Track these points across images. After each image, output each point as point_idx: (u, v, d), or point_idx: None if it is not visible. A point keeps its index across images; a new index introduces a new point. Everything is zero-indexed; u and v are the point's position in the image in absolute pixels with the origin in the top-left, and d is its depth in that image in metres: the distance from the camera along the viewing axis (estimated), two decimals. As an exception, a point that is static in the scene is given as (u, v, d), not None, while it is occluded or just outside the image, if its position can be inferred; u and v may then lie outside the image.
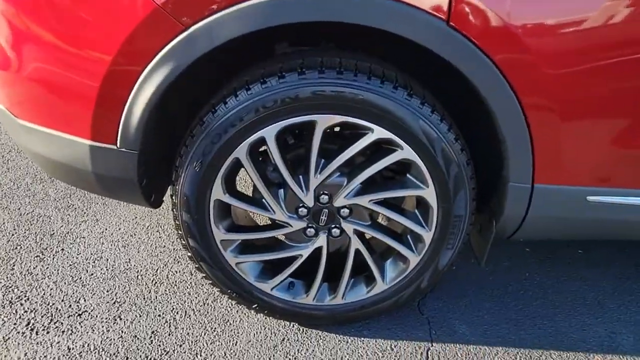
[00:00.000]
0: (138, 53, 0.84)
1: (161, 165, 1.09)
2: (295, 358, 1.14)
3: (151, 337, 1.18)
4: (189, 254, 1.11)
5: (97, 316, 1.24)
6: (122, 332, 1.19)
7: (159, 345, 1.16)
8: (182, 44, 0.82)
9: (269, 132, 0.93)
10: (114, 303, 1.28)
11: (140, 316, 1.24)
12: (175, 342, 1.17)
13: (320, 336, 1.20)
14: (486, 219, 1.11)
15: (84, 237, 1.54)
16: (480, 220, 1.14)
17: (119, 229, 1.59)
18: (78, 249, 1.48)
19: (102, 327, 1.20)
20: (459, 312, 1.29)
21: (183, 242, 1.09)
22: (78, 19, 0.86)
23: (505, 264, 1.47)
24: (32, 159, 1.16)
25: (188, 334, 1.19)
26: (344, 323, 1.21)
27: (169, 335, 1.19)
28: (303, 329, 1.21)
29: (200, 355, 1.13)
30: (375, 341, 1.19)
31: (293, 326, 1.22)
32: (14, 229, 1.56)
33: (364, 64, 0.91)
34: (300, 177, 1.01)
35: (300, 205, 1.04)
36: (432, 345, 1.18)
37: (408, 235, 1.10)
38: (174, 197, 1.03)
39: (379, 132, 0.93)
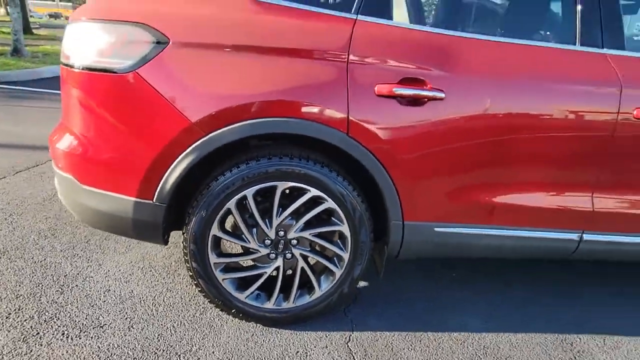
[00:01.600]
0: (177, 146, 1.47)
1: (173, 215, 1.67)
2: (261, 346, 1.68)
3: (158, 337, 1.67)
4: (191, 273, 1.67)
5: (115, 327, 1.71)
6: (136, 335, 1.67)
7: (165, 342, 1.65)
8: (203, 143, 1.46)
9: (249, 192, 1.57)
10: (127, 319, 1.76)
11: (148, 326, 1.73)
12: (177, 340, 1.67)
13: (277, 331, 1.75)
14: (382, 245, 1.79)
15: (92, 277, 2.01)
16: (378, 246, 1.81)
17: (120, 270, 2.08)
18: (90, 285, 1.95)
19: (121, 333, 1.68)
20: (372, 314, 1.91)
21: (188, 265, 1.65)
22: (141, 123, 1.47)
23: (401, 282, 2.14)
24: (79, 212, 1.68)
25: (185, 334, 1.70)
26: (294, 322, 1.78)
27: (171, 335, 1.69)
28: (266, 328, 1.77)
29: (196, 346, 1.64)
30: (315, 332, 1.76)
31: (259, 326, 1.77)
32: (33, 272, 2.00)
33: (304, 153, 1.61)
34: (267, 219, 1.65)
35: (266, 237, 1.66)
36: (352, 333, 1.78)
37: (334, 257, 1.75)
38: (185, 234, 1.61)
39: (314, 192, 1.60)
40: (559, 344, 1.82)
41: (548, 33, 1.81)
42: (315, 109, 1.49)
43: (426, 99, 1.54)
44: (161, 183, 1.52)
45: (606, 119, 1.65)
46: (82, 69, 1.48)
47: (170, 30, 1.43)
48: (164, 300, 1.89)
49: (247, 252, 1.71)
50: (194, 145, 1.47)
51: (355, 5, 1.55)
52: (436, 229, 1.72)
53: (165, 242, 1.71)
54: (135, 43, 1.43)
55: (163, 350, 1.61)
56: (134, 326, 1.72)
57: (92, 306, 1.82)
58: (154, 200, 1.54)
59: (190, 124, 1.45)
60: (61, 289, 1.90)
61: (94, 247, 2.26)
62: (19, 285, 1.90)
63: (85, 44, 1.48)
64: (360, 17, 1.54)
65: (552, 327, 1.92)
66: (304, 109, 1.48)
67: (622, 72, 1.64)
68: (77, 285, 1.94)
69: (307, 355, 1.65)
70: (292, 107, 1.47)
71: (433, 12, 1.84)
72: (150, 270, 2.10)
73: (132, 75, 1.43)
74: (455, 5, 1.84)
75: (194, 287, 1.77)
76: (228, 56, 1.46)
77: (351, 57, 1.49)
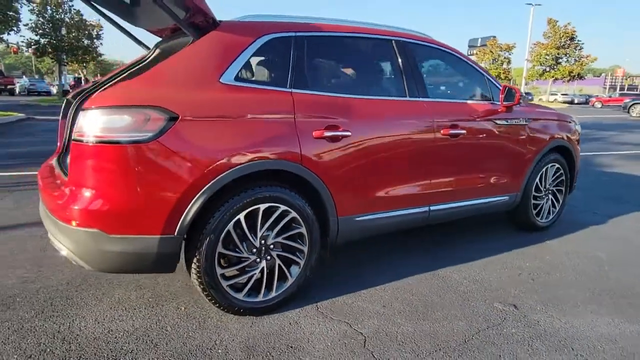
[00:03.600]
0: (193, 189, 2.02)
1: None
2: (263, 326, 2.28)
3: (183, 345, 2.11)
4: (202, 286, 2.18)
5: (143, 349, 2.06)
6: (164, 350, 2.07)
7: (191, 345, 2.10)
8: (213, 184, 2.06)
9: (242, 215, 2.21)
10: (147, 342, 2.12)
11: (169, 341, 2.13)
12: (200, 342, 2.13)
13: (268, 316, 2.37)
14: (325, 237, 2.61)
15: (85, 326, 2.24)
16: (322, 239, 2.63)
17: (106, 315, 2.35)
18: (89, 332, 2.19)
19: (152, 352, 2.05)
20: (325, 288, 2.69)
21: (200, 280, 2.16)
22: (164, 176, 1.96)
23: (335, 264, 2.99)
24: (103, 261, 2.00)
25: (203, 337, 2.17)
26: (279, 306, 2.43)
27: (193, 341, 2.14)
28: (256, 316, 2.37)
29: (217, 341, 2.14)
30: (294, 310, 2.45)
31: (254, 317, 2.36)
32: (21, 344, 2.12)
33: (273, 182, 2.33)
34: (253, 233, 2.29)
35: (253, 247, 2.30)
36: (317, 303, 2.53)
37: (297, 252, 2.48)
38: (197, 255, 2.13)
39: (282, 208, 2.33)
40: (432, 275, 2.95)
41: (394, 91, 2.97)
42: (282, 152, 2.26)
43: (341, 137, 2.47)
44: (182, 219, 2.04)
45: (430, 137, 2.88)
46: (109, 142, 1.92)
47: (179, 108, 2.01)
48: (167, 323, 2.29)
49: (239, 261, 2.31)
50: (206, 187, 2.05)
51: (288, 82, 2.40)
52: (356, 219, 2.65)
53: (174, 270, 2.18)
54: (153, 120, 1.96)
55: (193, 351, 2.07)
56: (158, 344, 2.11)
57: (108, 343, 2.11)
58: (176, 234, 2.04)
59: (202, 172, 2.04)
60: (67, 343, 2.11)
61: (62, 306, 2.42)
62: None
63: (111, 123, 1.92)
64: (293, 90, 2.40)
65: (426, 269, 3.04)
66: (275, 153, 2.24)
67: (432, 110, 2.91)
68: (77, 336, 2.16)
69: (297, 323, 2.33)
70: (269, 152, 2.21)
71: (336, 84, 2.81)
72: (134, 309, 2.42)
73: (153, 143, 1.95)
74: (347, 80, 2.87)
75: (190, 304, 2.24)
76: (219, 124, 2.12)
77: (296, 115, 2.33)
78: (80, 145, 1.96)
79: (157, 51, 3.11)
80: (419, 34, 3.16)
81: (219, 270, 2.20)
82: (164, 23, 2.91)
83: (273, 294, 2.40)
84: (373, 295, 2.65)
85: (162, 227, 2.01)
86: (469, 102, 3.25)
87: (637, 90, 63.42)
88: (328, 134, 2.41)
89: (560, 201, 4.06)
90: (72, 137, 1.98)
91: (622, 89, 75.26)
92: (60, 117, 3.05)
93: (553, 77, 36.07)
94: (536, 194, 3.80)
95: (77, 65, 30.77)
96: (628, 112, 25.41)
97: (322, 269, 2.93)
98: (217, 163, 2.08)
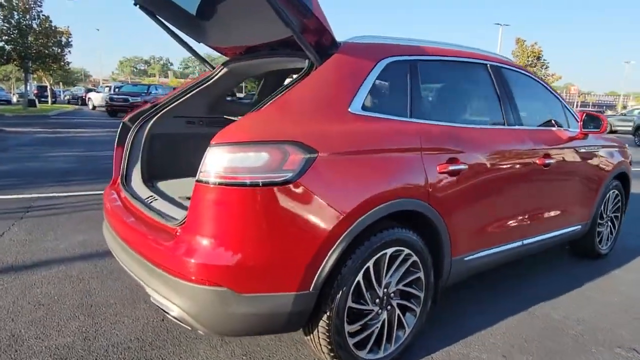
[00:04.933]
0: (333, 236, 1.73)
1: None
2: (389, 389, 2.00)
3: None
4: (331, 346, 1.87)
5: None
6: None
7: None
8: (352, 230, 1.77)
9: (370, 263, 1.93)
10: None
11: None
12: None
13: (390, 374, 2.10)
14: (436, 280, 2.35)
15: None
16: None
17: (204, 380, 2.00)
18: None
19: None
20: (432, 338, 2.43)
21: (329, 339, 1.86)
22: (304, 223, 1.67)
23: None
24: (228, 324, 1.67)
25: (332, 405, 1.87)
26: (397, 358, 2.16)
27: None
28: (379, 375, 2.08)
29: (352, 410, 1.84)
30: (412, 364, 2.18)
31: (374, 376, 2.07)
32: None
33: (396, 225, 2.06)
34: (377, 282, 2.01)
35: (376, 297, 2.02)
36: (432, 354, 2.27)
37: (412, 298, 2.22)
38: (328, 311, 1.83)
39: (406, 252, 2.07)
40: (529, 315, 2.75)
41: (495, 119, 2.78)
42: (414, 189, 2.01)
43: (459, 171, 2.25)
44: (319, 272, 1.74)
45: (529, 167, 2.71)
46: (242, 185, 1.61)
47: (317, 143, 1.73)
48: (279, 389, 1.96)
49: (362, 314, 2.02)
50: (345, 232, 1.77)
51: (408, 111, 2.16)
52: (465, 259, 2.42)
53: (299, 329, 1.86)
54: (292, 157, 1.67)
55: None
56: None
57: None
58: (311, 289, 1.74)
59: (342, 217, 1.75)
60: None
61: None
62: None
63: (245, 162, 1.62)
64: (414, 120, 2.16)
65: (519, 307, 2.84)
66: (409, 191, 1.99)
67: (529, 138, 2.75)
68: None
69: (424, 382, 2.06)
70: (404, 190, 1.96)
71: (447, 112, 2.57)
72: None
73: (294, 184, 1.66)
74: (456, 107, 2.64)
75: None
76: (354, 160, 1.84)
77: (422, 148, 2.09)
78: (208, 188, 1.64)
79: (225, 70, 2.81)
80: (504, 58, 3.01)
81: (347, 327, 1.91)
82: (240, 42, 2.62)
83: (392, 347, 2.12)
84: (484, 343, 2.41)
85: (299, 283, 1.71)
86: (553, 129, 3.12)
87: (589, 107, 67.28)
88: (451, 167, 2.19)
89: (617, 227, 4.00)
90: (198, 178, 1.66)
91: (576, 105, 79.52)
92: (116, 144, 2.68)
93: (520, 93, 37.44)
94: (599, 221, 3.71)
95: (42, 73, 29.15)
96: (594, 128, 26.64)
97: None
98: (357, 205, 1.80)
